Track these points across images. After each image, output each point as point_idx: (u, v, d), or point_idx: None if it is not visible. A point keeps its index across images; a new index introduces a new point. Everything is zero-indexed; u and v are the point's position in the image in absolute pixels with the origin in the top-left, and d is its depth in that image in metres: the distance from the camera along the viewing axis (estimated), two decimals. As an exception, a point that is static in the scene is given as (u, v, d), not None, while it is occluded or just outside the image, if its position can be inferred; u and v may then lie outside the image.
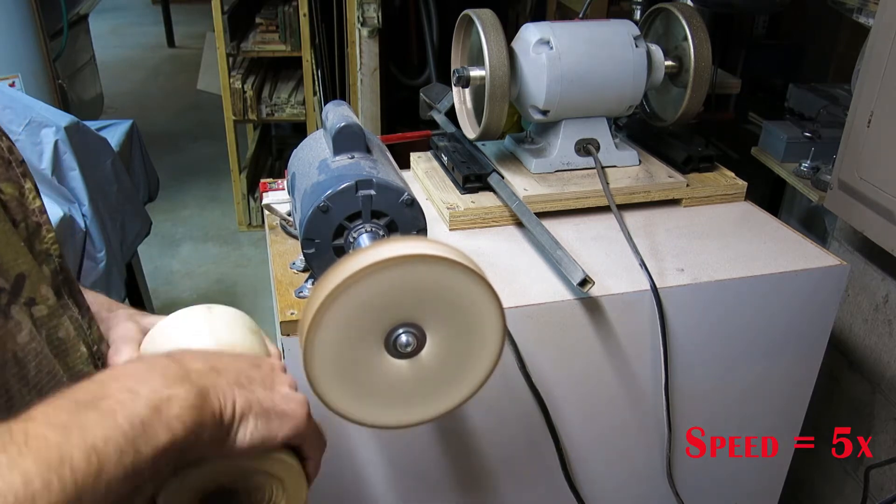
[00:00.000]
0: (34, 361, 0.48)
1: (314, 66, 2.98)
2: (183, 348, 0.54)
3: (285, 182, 1.04)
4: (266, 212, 1.16)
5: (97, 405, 0.39)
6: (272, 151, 3.91)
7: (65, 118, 1.69)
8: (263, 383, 0.50)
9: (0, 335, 0.45)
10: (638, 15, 1.62)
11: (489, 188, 1.18)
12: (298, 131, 3.63)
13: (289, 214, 1.12)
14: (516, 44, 1.18)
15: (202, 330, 0.59)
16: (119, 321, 0.63)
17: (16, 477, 0.33)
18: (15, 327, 0.47)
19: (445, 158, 1.26)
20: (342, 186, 0.81)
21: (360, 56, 2.19)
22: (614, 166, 1.23)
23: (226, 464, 0.49)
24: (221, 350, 0.56)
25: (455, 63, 1.25)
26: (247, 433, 0.47)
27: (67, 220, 1.63)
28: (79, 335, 0.54)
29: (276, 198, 1.17)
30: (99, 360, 0.57)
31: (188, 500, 0.49)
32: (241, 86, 3.05)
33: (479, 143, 1.28)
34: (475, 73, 1.13)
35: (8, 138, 0.53)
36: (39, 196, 0.55)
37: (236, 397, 0.47)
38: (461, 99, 1.27)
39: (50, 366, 0.49)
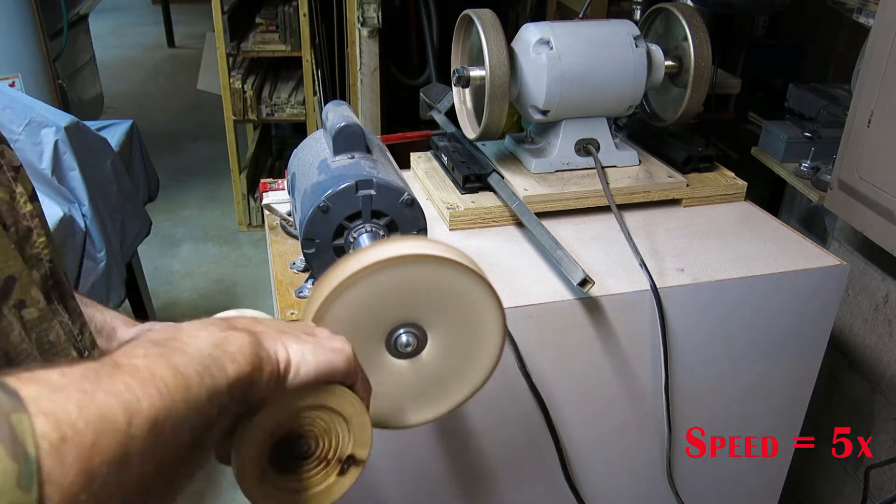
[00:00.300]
0: (25, 363, 0.48)
1: (314, 66, 2.98)
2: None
3: (285, 182, 1.04)
4: (266, 212, 1.16)
5: (167, 344, 0.43)
6: (272, 151, 3.91)
7: (65, 118, 1.69)
8: (304, 331, 0.53)
9: None
10: (638, 15, 1.62)
11: (489, 188, 1.18)
12: (298, 131, 3.63)
13: (289, 214, 1.12)
14: (516, 44, 1.18)
15: None
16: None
17: (118, 384, 0.37)
18: (7, 327, 0.47)
19: (445, 158, 1.26)
20: (342, 186, 0.81)
21: (360, 56, 2.19)
22: (614, 166, 1.23)
23: (291, 405, 0.50)
24: None
25: (455, 63, 1.25)
26: (310, 366, 0.50)
27: (67, 220, 1.63)
28: (69, 340, 0.54)
29: (276, 198, 1.17)
30: None
31: (260, 446, 0.50)
32: (241, 86, 3.05)
33: (479, 143, 1.28)
34: (475, 73, 1.13)
35: (2, 143, 0.53)
36: (35, 201, 0.55)
37: (286, 341, 0.50)
38: (461, 99, 1.27)
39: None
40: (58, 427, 0.33)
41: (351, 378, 0.53)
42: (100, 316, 0.67)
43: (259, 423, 0.49)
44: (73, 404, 0.34)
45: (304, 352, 0.50)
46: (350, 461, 0.54)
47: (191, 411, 0.40)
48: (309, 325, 0.56)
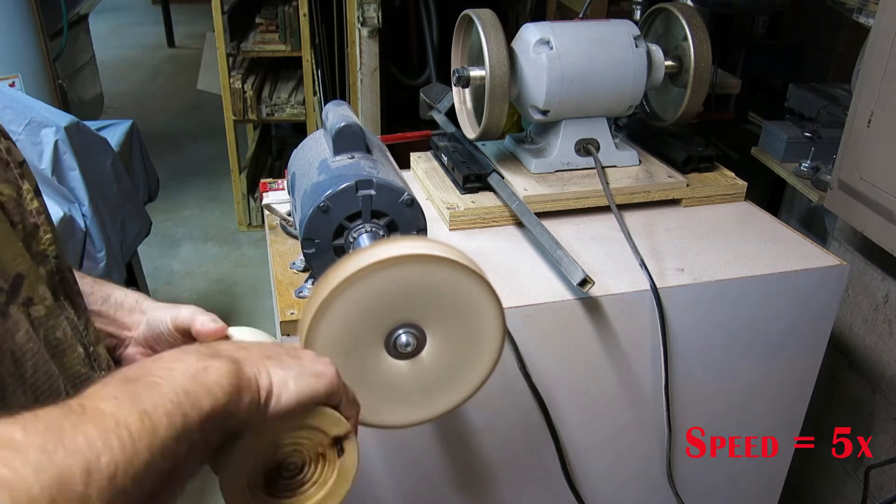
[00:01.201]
0: (31, 361, 0.48)
1: (314, 66, 2.98)
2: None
3: (285, 182, 1.04)
4: (266, 212, 1.16)
5: (140, 380, 0.42)
6: (272, 151, 3.91)
7: (65, 118, 1.69)
8: (289, 355, 0.53)
9: None
10: (638, 15, 1.62)
11: (489, 188, 1.18)
12: (298, 131, 3.63)
13: (289, 214, 1.12)
14: (516, 44, 1.18)
15: None
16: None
17: (80, 438, 0.36)
18: (13, 326, 0.47)
19: (445, 158, 1.26)
20: (342, 186, 0.81)
21: (360, 56, 2.19)
22: (614, 166, 1.23)
23: (275, 430, 0.50)
24: None
25: (455, 63, 1.25)
26: (291, 393, 0.49)
27: (67, 220, 1.63)
28: (75, 336, 0.55)
29: (276, 198, 1.17)
30: (95, 362, 0.57)
31: (245, 470, 0.50)
32: (241, 86, 3.05)
33: (479, 143, 1.28)
34: (475, 73, 1.13)
35: (8, 138, 0.53)
36: (39, 196, 0.55)
37: (269, 367, 0.49)
38: (461, 99, 1.27)
39: (46, 366, 0.50)
40: (13, 497, 0.32)
41: (334, 400, 0.53)
42: (119, 293, 0.70)
43: (243, 447, 0.48)
44: (30, 468, 0.34)
45: (287, 378, 0.49)
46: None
47: (156, 456, 0.39)
48: (294, 347, 0.56)
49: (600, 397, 1.08)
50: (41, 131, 1.64)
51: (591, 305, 1.00)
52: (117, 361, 0.68)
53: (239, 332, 0.67)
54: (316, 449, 0.53)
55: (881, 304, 1.40)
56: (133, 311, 0.69)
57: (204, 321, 0.64)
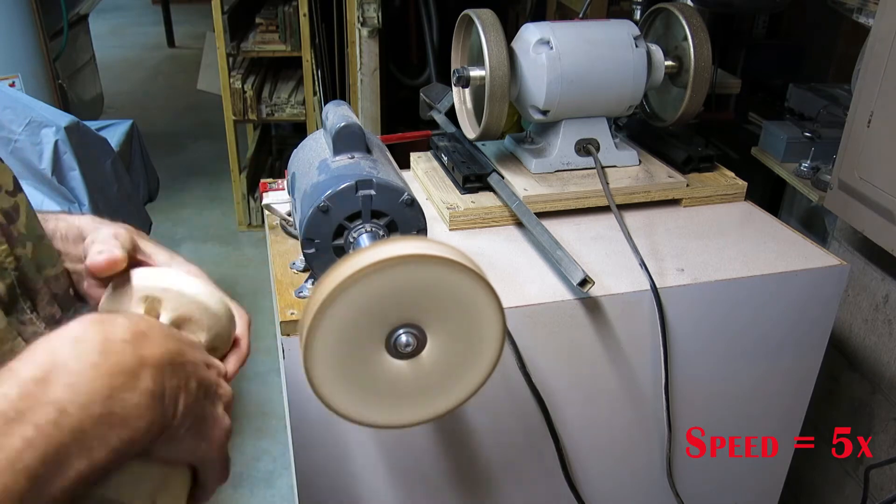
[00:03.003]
0: None
1: (314, 66, 2.98)
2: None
3: (285, 182, 1.04)
4: (266, 212, 1.16)
5: (21, 422, 0.38)
6: (272, 151, 3.91)
7: (65, 118, 1.70)
8: (208, 400, 0.51)
9: None
10: (638, 15, 1.62)
11: (489, 188, 1.18)
12: (298, 131, 3.63)
13: (289, 214, 1.12)
14: (516, 44, 1.18)
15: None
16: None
17: None
18: None
19: (445, 158, 1.26)
20: (342, 186, 0.81)
21: (360, 56, 2.20)
22: (614, 166, 1.23)
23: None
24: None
25: (455, 63, 1.25)
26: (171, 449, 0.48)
27: (67, 220, 1.63)
28: None
29: (276, 198, 1.17)
30: None
31: None
32: (241, 86, 3.05)
33: (479, 143, 1.28)
34: (475, 73, 1.13)
35: None
36: (17, 193, 0.51)
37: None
38: (461, 99, 1.27)
39: None
40: None
41: (200, 465, 0.53)
42: (63, 224, 0.62)
43: None
44: None
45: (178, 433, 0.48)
46: None
47: None
48: (218, 391, 0.53)
49: (600, 397, 1.08)
50: (41, 131, 1.64)
51: (591, 305, 1.00)
52: (81, 298, 0.63)
53: (149, 279, 0.57)
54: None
55: (881, 304, 1.40)
56: (77, 242, 0.61)
57: (94, 253, 0.53)
